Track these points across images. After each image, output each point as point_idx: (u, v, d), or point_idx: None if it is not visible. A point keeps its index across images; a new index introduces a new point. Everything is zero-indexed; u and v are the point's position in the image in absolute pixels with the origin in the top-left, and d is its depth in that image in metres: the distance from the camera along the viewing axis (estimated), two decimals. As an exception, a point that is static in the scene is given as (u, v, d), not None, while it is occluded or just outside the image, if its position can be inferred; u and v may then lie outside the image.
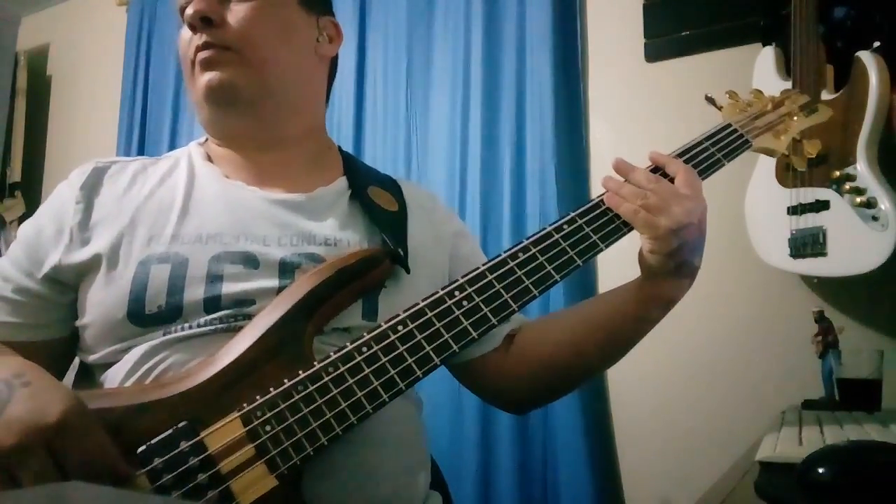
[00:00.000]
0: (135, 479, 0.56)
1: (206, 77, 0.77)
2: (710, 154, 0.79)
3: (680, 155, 0.79)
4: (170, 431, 0.58)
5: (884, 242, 1.21)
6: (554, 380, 0.84)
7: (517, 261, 0.69)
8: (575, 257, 0.70)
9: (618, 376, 1.70)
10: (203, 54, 0.77)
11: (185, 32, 0.80)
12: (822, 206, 1.31)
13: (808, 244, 1.32)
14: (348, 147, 2.07)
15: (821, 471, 0.56)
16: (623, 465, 1.67)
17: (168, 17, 2.61)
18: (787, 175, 1.37)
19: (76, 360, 0.77)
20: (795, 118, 0.90)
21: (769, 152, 0.88)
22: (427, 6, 2.05)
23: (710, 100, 0.90)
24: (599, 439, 1.65)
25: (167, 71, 2.58)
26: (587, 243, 0.71)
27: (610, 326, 0.79)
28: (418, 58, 2.04)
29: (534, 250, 0.70)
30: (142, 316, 0.68)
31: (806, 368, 1.31)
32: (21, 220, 2.81)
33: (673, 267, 0.71)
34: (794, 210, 1.34)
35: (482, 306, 0.66)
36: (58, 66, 3.08)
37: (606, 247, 0.71)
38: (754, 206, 1.46)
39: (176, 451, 0.57)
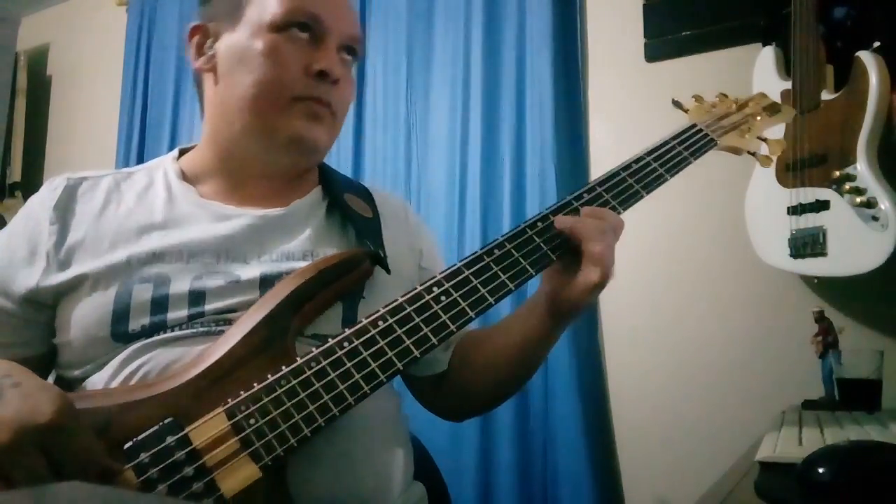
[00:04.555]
0: (122, 473, 0.57)
1: (311, 130, 0.78)
2: (678, 153, 0.83)
3: (649, 153, 0.82)
4: (156, 427, 0.59)
5: (884, 242, 1.21)
6: (485, 397, 0.89)
7: (493, 257, 0.70)
8: (549, 252, 0.71)
9: (618, 376, 1.71)
10: (319, 108, 0.78)
11: (295, 54, 0.76)
12: (822, 206, 1.31)
13: (808, 244, 1.32)
14: (348, 148, 2.08)
15: (821, 471, 0.56)
16: (623, 465, 1.67)
17: (168, 17, 2.61)
18: (788, 175, 1.37)
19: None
20: (759, 118, 0.94)
21: (735, 150, 0.91)
22: (427, 6, 2.05)
23: (677, 103, 0.94)
24: (599, 439, 1.65)
25: (167, 71, 2.58)
26: (561, 238, 0.72)
27: (521, 355, 0.81)
28: (418, 58, 2.04)
29: (509, 246, 0.71)
30: (125, 334, 0.69)
31: (806, 368, 1.31)
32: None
33: (584, 308, 0.74)
34: (794, 210, 1.34)
35: (460, 301, 0.68)
36: (58, 66, 3.08)
37: (559, 258, 0.73)
38: (754, 206, 1.46)
39: (162, 445, 0.58)
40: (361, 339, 0.65)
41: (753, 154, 0.93)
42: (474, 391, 0.86)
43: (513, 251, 0.71)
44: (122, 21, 2.77)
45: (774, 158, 0.95)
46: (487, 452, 1.69)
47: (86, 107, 2.92)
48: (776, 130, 1.40)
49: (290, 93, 0.76)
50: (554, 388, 1.66)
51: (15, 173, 2.87)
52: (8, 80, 2.83)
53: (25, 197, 2.88)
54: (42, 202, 0.77)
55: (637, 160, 0.81)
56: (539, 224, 0.73)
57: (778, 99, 1.39)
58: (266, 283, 0.72)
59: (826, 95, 1.34)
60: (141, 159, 2.56)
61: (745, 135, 0.91)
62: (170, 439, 0.59)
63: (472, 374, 0.85)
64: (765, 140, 0.93)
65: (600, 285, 0.69)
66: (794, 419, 0.98)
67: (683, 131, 0.86)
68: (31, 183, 2.92)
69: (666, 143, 0.84)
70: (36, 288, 0.72)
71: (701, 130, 0.87)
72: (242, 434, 0.60)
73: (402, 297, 0.68)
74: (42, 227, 0.75)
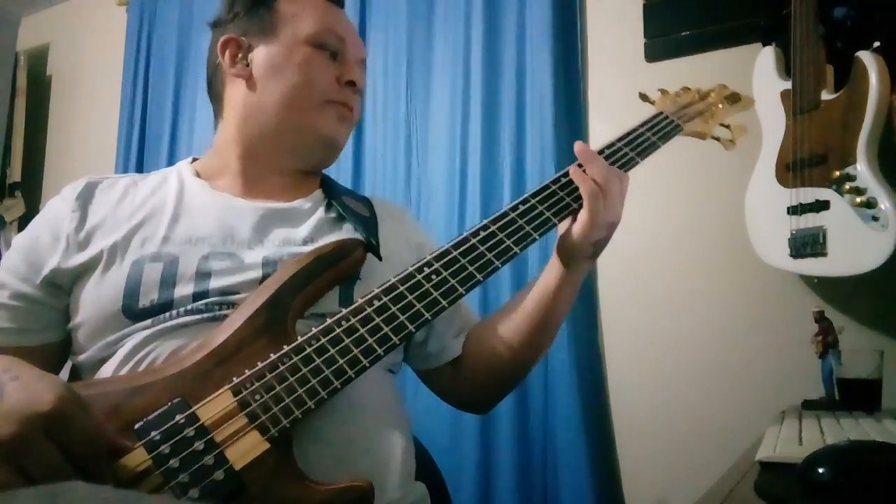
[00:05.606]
0: (132, 450, 0.59)
1: (340, 130, 0.90)
2: (647, 138, 0.90)
3: (620, 139, 0.88)
4: (165, 407, 0.62)
5: (884, 242, 1.21)
6: (506, 375, 0.91)
7: (478, 237, 0.75)
8: (531, 231, 0.76)
9: (618, 376, 1.71)
10: (346, 111, 0.90)
11: (327, 66, 0.88)
12: (822, 206, 1.31)
13: (808, 244, 1.32)
14: (348, 149, 2.08)
15: (821, 471, 0.56)
16: (623, 465, 1.67)
17: (168, 17, 2.61)
18: (788, 175, 1.37)
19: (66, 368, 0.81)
20: (721, 106, 1.01)
21: (699, 135, 0.98)
22: (427, 6, 2.05)
23: (643, 96, 1.01)
24: (599, 439, 1.65)
25: (167, 71, 2.58)
26: (541, 219, 0.78)
27: (542, 312, 0.85)
28: (418, 58, 2.04)
29: (493, 227, 0.76)
30: (135, 310, 0.74)
31: (806, 368, 1.31)
32: (21, 219, 2.81)
33: (591, 253, 0.81)
34: (794, 210, 1.34)
35: (449, 278, 0.72)
36: (58, 66, 3.08)
37: (559, 221, 0.79)
38: (754, 206, 1.46)
39: (171, 423, 0.61)
40: (358, 317, 0.69)
41: (718, 139, 0.99)
42: (494, 368, 0.88)
43: (496, 231, 0.76)
44: (122, 21, 2.77)
45: (737, 142, 1.01)
46: (487, 452, 1.69)
47: (86, 107, 2.92)
48: (776, 127, 1.40)
49: (324, 96, 0.87)
50: (554, 388, 1.66)
51: (15, 173, 2.87)
52: (8, 80, 2.83)
53: (25, 197, 2.90)
54: (64, 197, 0.84)
55: (609, 146, 0.87)
56: (521, 206, 0.78)
57: (779, 99, 1.40)
58: (268, 264, 0.78)
59: (826, 95, 1.34)
60: (140, 159, 2.56)
61: (709, 121, 0.99)
62: (179, 417, 0.61)
63: (490, 349, 0.88)
64: (727, 126, 1.00)
65: (593, 224, 0.76)
66: (794, 419, 0.98)
67: (651, 119, 0.94)
68: (31, 183, 2.92)
69: (635, 129, 0.91)
70: (57, 268, 0.77)
71: (667, 117, 0.94)
72: (248, 409, 0.62)
73: (395, 277, 0.72)
74: (64, 215, 0.81)
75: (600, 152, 0.85)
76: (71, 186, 0.85)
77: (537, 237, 0.77)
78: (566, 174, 0.81)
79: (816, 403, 1.20)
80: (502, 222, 0.77)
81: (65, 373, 0.81)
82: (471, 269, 0.73)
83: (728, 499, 0.62)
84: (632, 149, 0.87)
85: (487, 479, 1.68)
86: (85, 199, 0.83)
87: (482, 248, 0.74)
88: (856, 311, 1.43)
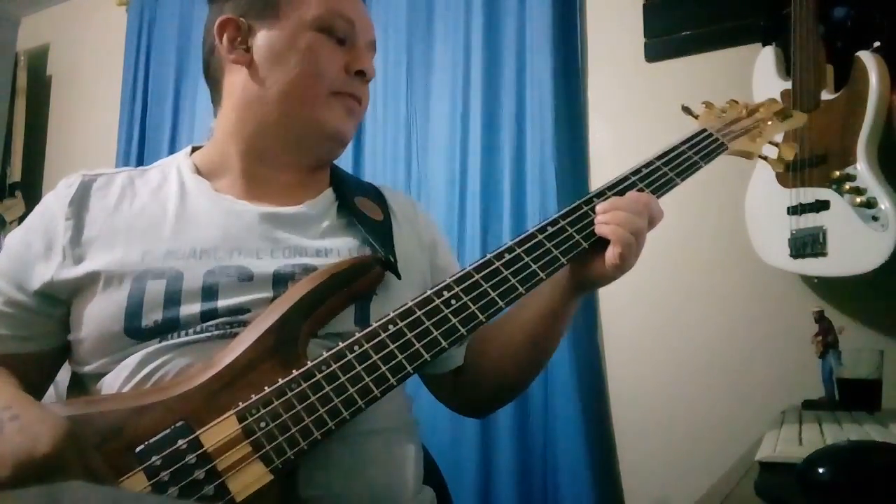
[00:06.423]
0: (131, 475, 0.57)
1: (348, 124, 0.84)
2: (689, 157, 0.83)
3: (659, 157, 0.82)
4: (167, 430, 0.59)
5: (884, 242, 1.21)
6: (507, 387, 0.90)
7: (503, 261, 0.71)
8: (559, 255, 0.72)
9: (618, 376, 1.71)
10: (353, 103, 0.84)
11: (334, 53, 0.81)
12: (822, 206, 1.31)
13: (808, 244, 1.32)
14: (348, 148, 2.07)
15: (821, 471, 0.56)
16: (623, 465, 1.67)
17: (168, 17, 2.61)
18: (788, 175, 1.37)
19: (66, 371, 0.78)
20: (770, 123, 0.94)
21: (746, 155, 0.91)
22: (427, 6, 2.05)
23: (687, 109, 0.94)
24: (599, 439, 1.65)
25: (167, 71, 2.58)
26: (570, 242, 0.73)
27: (545, 330, 0.82)
28: (418, 58, 2.04)
29: (518, 250, 0.71)
30: (139, 330, 0.69)
31: (806, 368, 1.31)
32: (21, 220, 2.81)
33: (606, 284, 0.77)
34: (795, 210, 1.34)
35: (470, 304, 0.68)
36: (58, 66, 3.08)
37: (589, 246, 0.74)
38: (754, 206, 1.46)
39: (173, 448, 0.58)
40: (371, 343, 0.65)
41: (765, 158, 0.92)
42: (493, 380, 0.87)
43: (522, 255, 0.71)
44: (122, 21, 2.77)
45: (787, 160, 0.95)
46: (487, 452, 1.69)
47: (86, 107, 2.92)
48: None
49: (330, 87, 0.81)
50: (554, 388, 1.66)
51: (15, 173, 2.87)
52: (8, 80, 2.83)
53: (26, 197, 2.90)
54: (58, 198, 0.78)
55: (647, 164, 0.81)
56: (549, 228, 0.73)
57: (779, 99, 1.40)
58: (279, 280, 0.73)
59: (826, 95, 1.34)
60: (141, 159, 2.56)
61: (756, 139, 0.91)
62: (181, 442, 0.59)
63: (490, 361, 0.86)
64: (776, 145, 0.93)
65: (622, 267, 0.72)
66: (794, 419, 0.98)
67: (694, 136, 0.86)
68: (31, 183, 2.92)
69: (676, 147, 0.84)
70: (51, 281, 0.73)
71: (711, 135, 0.87)
72: (253, 437, 0.60)
73: (413, 300, 0.68)
74: (58, 222, 0.76)
75: (637, 171, 0.79)
76: (65, 184, 0.79)
77: (565, 262, 0.72)
78: (600, 194, 0.77)
79: (816, 403, 1.20)
80: (528, 245, 0.72)
81: (63, 374, 0.79)
82: (493, 294, 0.68)
83: (728, 499, 0.62)
84: (671, 168, 0.81)
85: (487, 480, 1.68)
86: (80, 206, 0.77)
87: (506, 273, 0.70)
88: (856, 311, 1.43)
